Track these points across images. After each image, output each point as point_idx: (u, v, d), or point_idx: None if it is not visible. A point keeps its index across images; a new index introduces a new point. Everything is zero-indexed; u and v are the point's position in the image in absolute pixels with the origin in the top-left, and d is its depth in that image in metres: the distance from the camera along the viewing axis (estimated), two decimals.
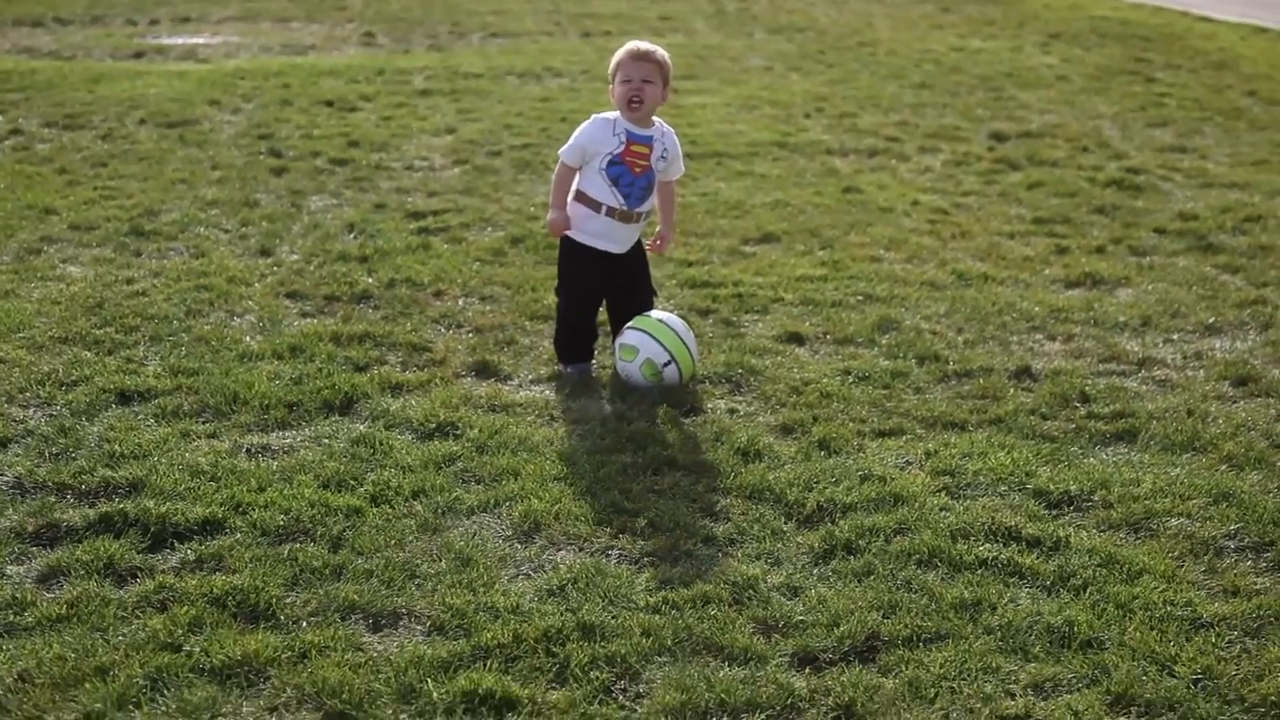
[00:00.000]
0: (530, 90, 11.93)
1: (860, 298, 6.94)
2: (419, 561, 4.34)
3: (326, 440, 5.23)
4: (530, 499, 4.75)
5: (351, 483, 4.86)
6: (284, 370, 5.83)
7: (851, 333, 6.45)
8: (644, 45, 5.86)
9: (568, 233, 5.93)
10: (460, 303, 6.78)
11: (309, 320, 6.48)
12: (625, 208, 5.81)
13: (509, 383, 5.88)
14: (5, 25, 15.53)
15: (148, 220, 7.98)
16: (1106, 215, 8.46)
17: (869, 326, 6.52)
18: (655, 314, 5.92)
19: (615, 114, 5.85)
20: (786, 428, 5.43)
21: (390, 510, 4.68)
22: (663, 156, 5.87)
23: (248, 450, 5.13)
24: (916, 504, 4.75)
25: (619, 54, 5.87)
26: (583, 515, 4.66)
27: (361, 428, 5.34)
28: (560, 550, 4.47)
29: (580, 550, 4.47)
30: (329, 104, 11.28)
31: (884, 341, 6.36)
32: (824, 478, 4.96)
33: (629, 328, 5.84)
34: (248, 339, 6.22)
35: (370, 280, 7.01)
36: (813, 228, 8.09)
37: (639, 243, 6.00)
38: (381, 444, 5.16)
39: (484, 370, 5.97)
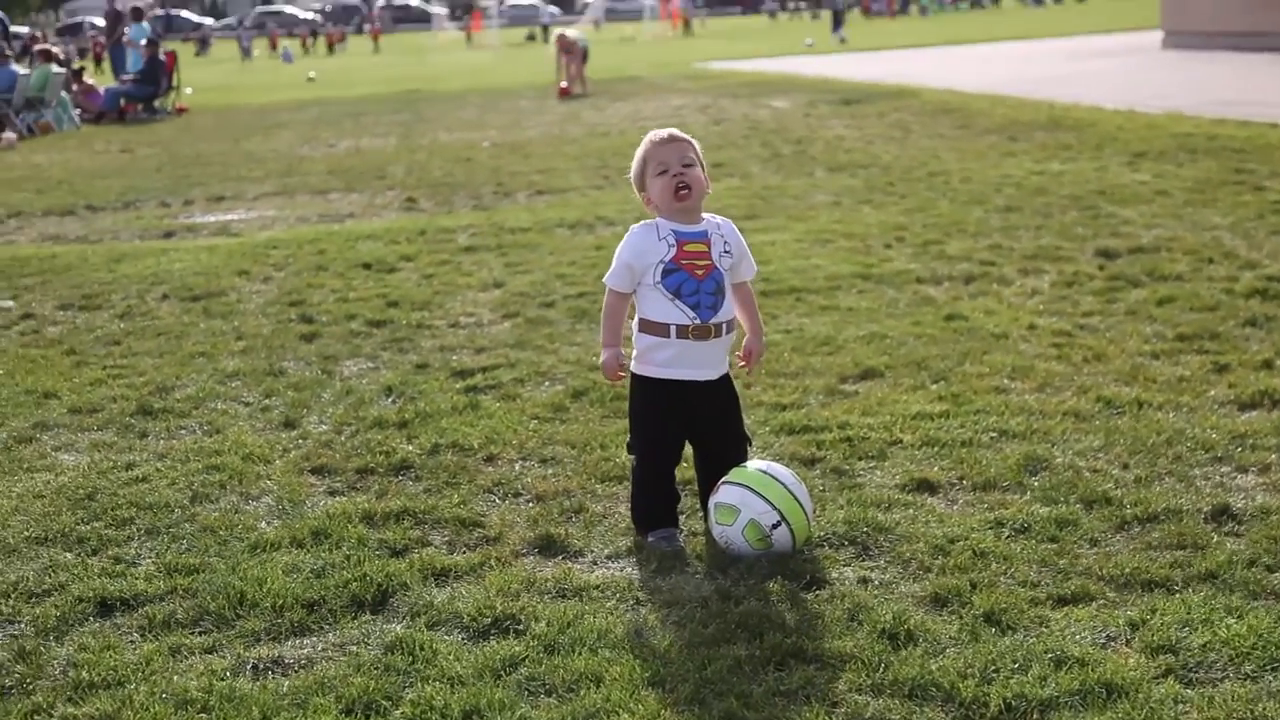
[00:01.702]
0: (582, 240, 10.98)
1: (993, 434, 5.79)
2: None
3: (354, 648, 4.10)
4: (619, 714, 3.59)
5: (384, 705, 3.72)
6: (304, 561, 4.73)
7: (993, 476, 5.29)
8: (664, 130, 4.88)
9: (636, 370, 4.85)
10: (517, 467, 5.68)
11: (337, 499, 5.40)
12: (699, 321, 4.73)
13: (580, 560, 4.75)
14: (34, 216, 14.83)
15: (158, 398, 6.97)
16: (1259, 327, 7.30)
17: (1012, 467, 5.36)
18: (755, 464, 4.80)
19: (654, 220, 4.83)
20: (939, 599, 4.26)
21: None
22: (726, 251, 4.81)
23: (253, 667, 4.01)
24: (1139, 697, 3.55)
25: (641, 149, 4.87)
26: None
27: (398, 629, 4.21)
28: None
29: None
30: (366, 266, 10.35)
31: (1034, 484, 5.21)
32: (1004, 664, 3.77)
33: (725, 483, 4.71)
34: (263, 525, 5.14)
35: (410, 448, 5.94)
36: (919, 360, 6.97)
37: (726, 376, 4.90)
38: (423, 649, 4.02)
39: (549, 546, 4.85)
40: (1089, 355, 6.94)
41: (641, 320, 4.83)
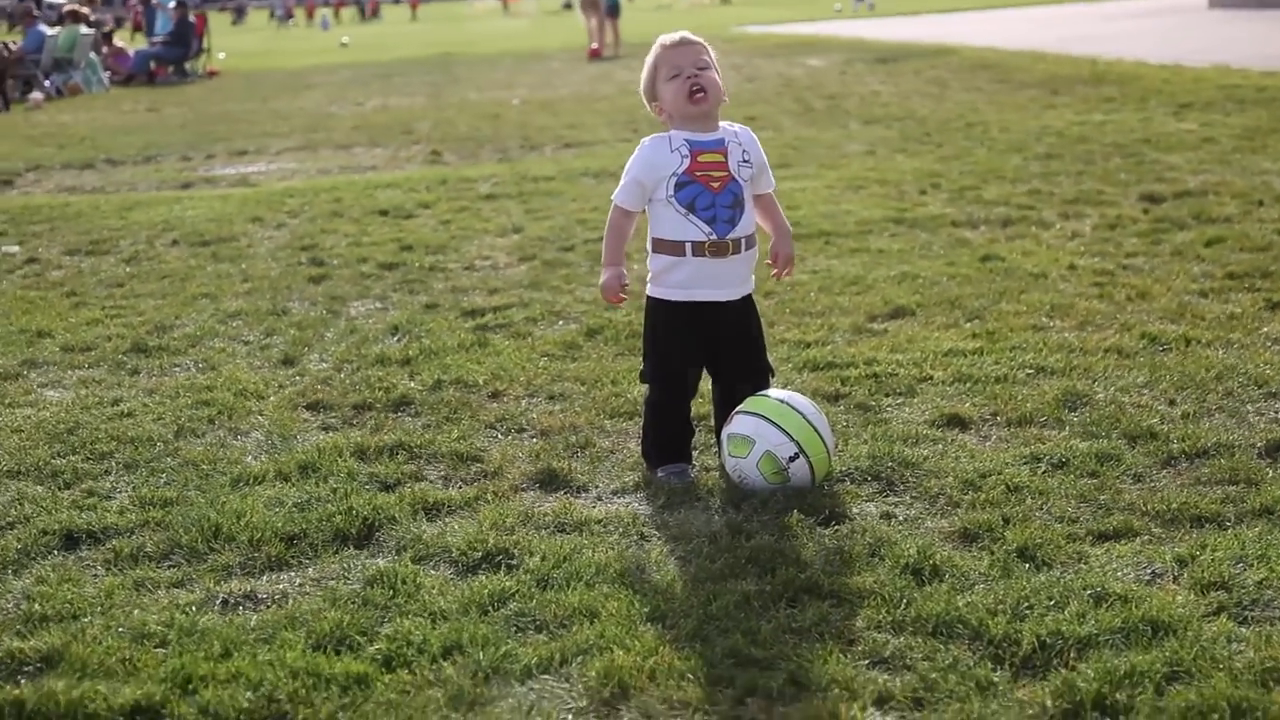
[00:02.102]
0: (606, 188, 10.59)
1: (1029, 371, 5.42)
2: None
3: (332, 582, 3.79)
4: (613, 650, 3.26)
5: (357, 640, 3.40)
6: (288, 494, 4.42)
7: (1030, 411, 4.93)
8: (674, 33, 4.50)
9: (651, 292, 4.50)
10: (523, 404, 5.35)
11: (329, 434, 5.08)
12: (715, 237, 4.37)
13: (583, 496, 4.42)
14: (53, 170, 14.57)
15: (155, 337, 6.67)
16: None
17: (1051, 403, 5.00)
18: (774, 393, 4.45)
19: (667, 132, 4.47)
20: (968, 534, 3.91)
21: (409, 677, 3.20)
22: (745, 161, 4.44)
23: (223, 602, 3.70)
24: (1188, 635, 3.19)
25: (651, 55, 4.51)
26: (691, 671, 3.16)
27: (381, 563, 3.89)
28: None
29: None
30: (383, 213, 10.02)
31: (1074, 420, 4.84)
32: (1037, 600, 3.42)
33: (739, 412, 4.37)
34: (249, 459, 4.83)
35: (411, 384, 5.62)
36: (952, 298, 6.60)
37: (749, 299, 4.54)
38: (405, 583, 3.70)
39: (550, 481, 4.52)
40: (1132, 294, 6.56)
41: (654, 240, 4.48)
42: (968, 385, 5.28)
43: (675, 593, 3.59)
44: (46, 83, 24.51)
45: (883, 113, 15.16)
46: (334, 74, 27.67)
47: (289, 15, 64.59)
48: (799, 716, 2.98)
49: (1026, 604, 3.40)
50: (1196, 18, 28.14)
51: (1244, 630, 3.23)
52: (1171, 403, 4.99)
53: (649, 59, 4.53)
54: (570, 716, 3.05)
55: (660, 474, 4.49)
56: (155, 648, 3.40)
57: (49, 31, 25.51)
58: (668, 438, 4.54)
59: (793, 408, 4.32)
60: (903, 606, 3.44)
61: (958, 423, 4.88)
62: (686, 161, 4.38)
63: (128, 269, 8.54)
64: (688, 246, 4.38)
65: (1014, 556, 3.71)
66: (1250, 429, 4.64)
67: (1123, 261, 7.30)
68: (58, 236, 9.82)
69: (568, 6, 69.67)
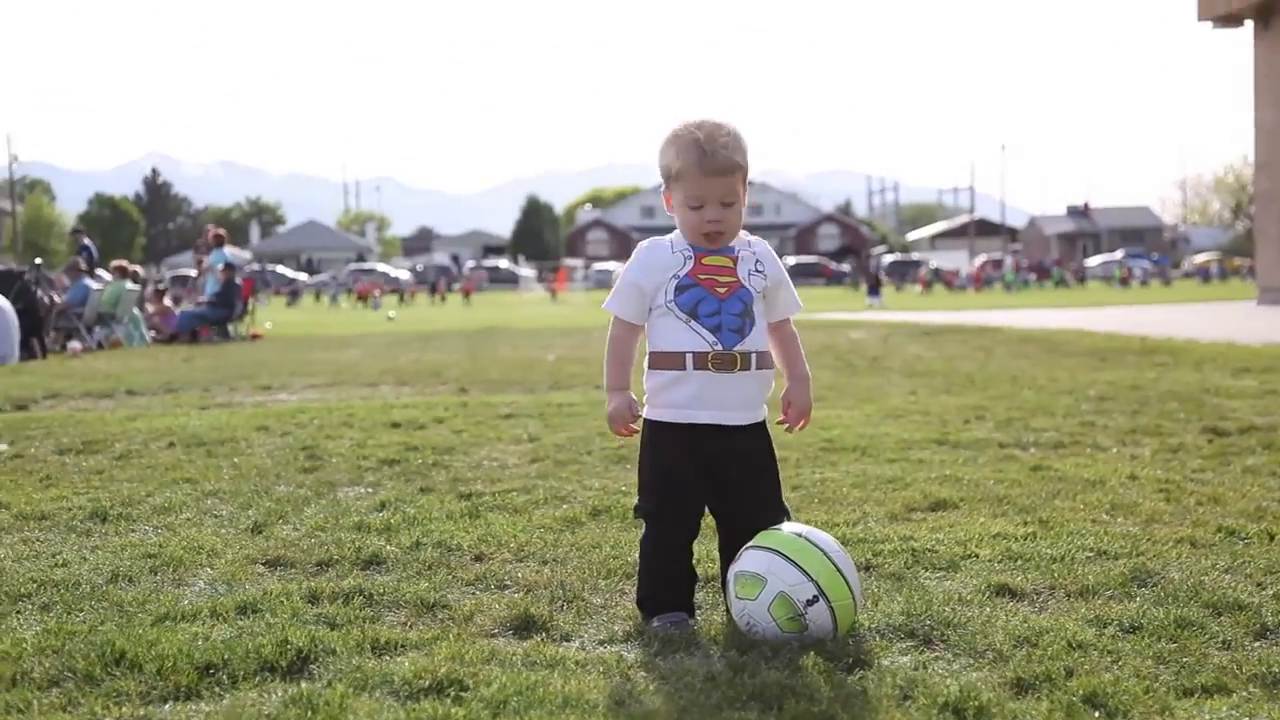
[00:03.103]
0: None
1: (1091, 553, 4.74)
2: None
3: (240, 711, 3.09)
4: None
5: None
6: (217, 631, 3.75)
7: (1093, 584, 4.24)
8: (717, 144, 3.77)
9: (647, 414, 3.90)
10: (509, 566, 4.69)
11: (281, 582, 4.42)
12: (720, 348, 3.79)
13: (566, 644, 3.73)
14: (71, 398, 14.20)
15: (119, 508, 6.07)
16: None
17: (1117, 579, 4.31)
18: (790, 526, 3.79)
19: (668, 236, 3.92)
20: (1022, 683, 3.20)
21: None
22: (757, 270, 3.87)
23: None
24: None
25: (684, 145, 3.79)
26: None
27: (305, 687, 3.19)
28: None
29: None
30: (395, 425, 9.50)
31: (1145, 593, 4.14)
32: None
33: (750, 548, 3.72)
34: (184, 603, 4.17)
35: (387, 545, 4.97)
36: (999, 496, 5.94)
37: (762, 428, 3.92)
38: (329, 704, 3.01)
39: (527, 626, 3.84)
40: (1203, 499, 5.88)
41: (651, 354, 3.90)
42: (1019, 562, 4.60)
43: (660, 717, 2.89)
44: (89, 336, 24.50)
45: (925, 369, 14.69)
46: (375, 339, 27.64)
47: (334, 299, 65.90)
48: None
49: None
50: (1248, 311, 27.90)
51: None
52: (1260, 585, 4.28)
53: (682, 142, 3.82)
54: None
55: (656, 623, 3.81)
56: None
57: (95, 285, 25.67)
58: (665, 582, 3.88)
59: (812, 543, 3.66)
60: None
61: (1008, 592, 4.19)
62: (690, 263, 3.83)
63: (114, 463, 7.99)
64: (688, 358, 3.79)
65: (1080, 703, 2.99)
66: None
67: (1189, 475, 6.64)
68: (52, 439, 9.31)
69: None
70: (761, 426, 3.91)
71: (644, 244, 3.92)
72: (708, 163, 3.78)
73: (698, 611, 3.92)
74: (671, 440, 3.84)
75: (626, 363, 3.95)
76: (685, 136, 3.83)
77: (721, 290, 3.81)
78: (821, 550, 3.64)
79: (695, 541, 3.95)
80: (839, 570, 3.62)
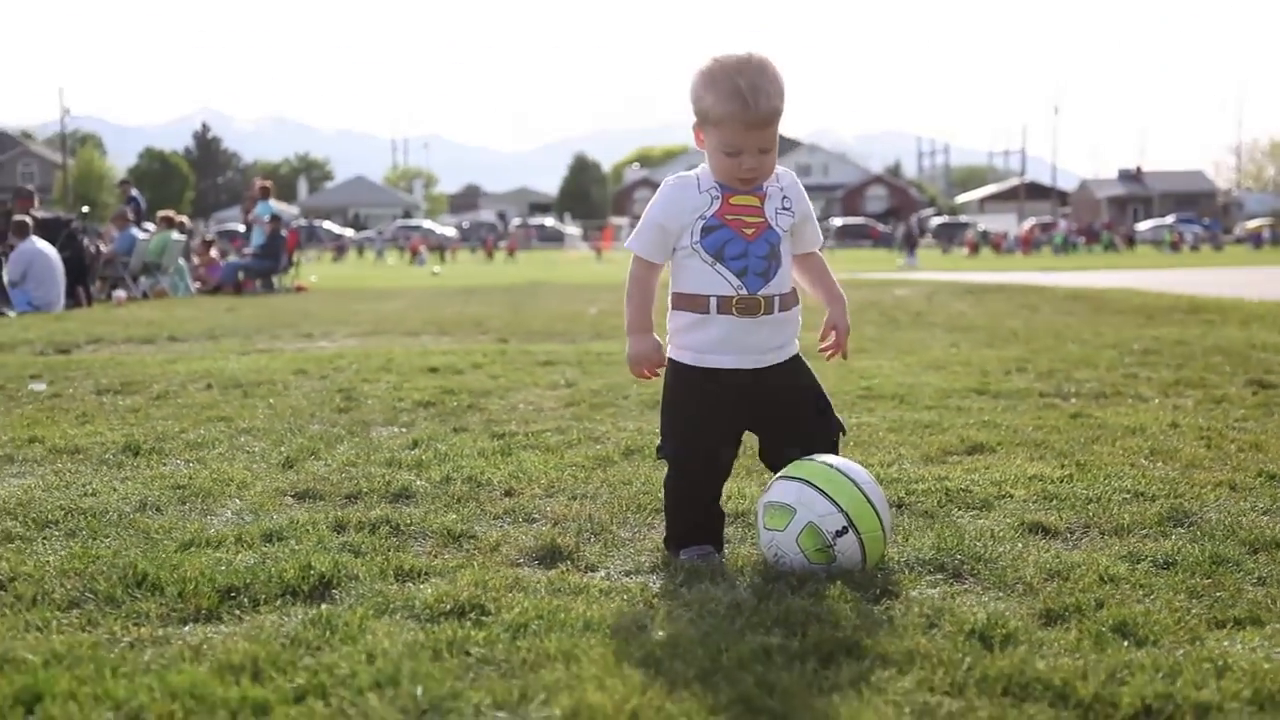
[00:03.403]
0: None
1: (1127, 495, 4.66)
2: None
3: (259, 629, 3.07)
4: (585, 689, 2.51)
5: (269, 672, 2.68)
6: (242, 557, 3.74)
7: (1128, 523, 4.17)
8: (759, 94, 3.61)
9: (670, 355, 3.83)
10: (539, 501, 4.66)
11: (308, 512, 4.41)
12: (745, 292, 3.70)
13: (591, 574, 3.69)
14: (113, 343, 14.28)
15: (152, 442, 6.08)
16: None
17: (1153, 518, 4.23)
18: (822, 457, 3.73)
19: (696, 171, 3.82)
20: (1051, 613, 3.14)
21: (320, 707, 2.47)
22: (785, 208, 3.76)
23: (129, 644, 2.99)
24: None
25: (719, 100, 3.64)
26: (685, 715, 2.41)
27: (325, 608, 3.17)
28: None
29: None
30: (433, 369, 9.49)
31: (1180, 532, 4.07)
32: (1140, 669, 2.64)
33: (780, 478, 3.66)
34: (210, 530, 4.16)
35: (417, 480, 4.95)
36: (1037, 441, 5.87)
37: (796, 359, 3.86)
38: (346, 625, 2.99)
39: (553, 556, 3.81)
40: (1244, 446, 5.79)
41: (675, 295, 3.82)
42: (1054, 502, 4.53)
43: (680, 644, 2.85)
44: (135, 285, 24.64)
45: (969, 324, 14.57)
46: (419, 292, 27.68)
47: (380, 254, 66.02)
48: None
49: (1126, 670, 2.63)
50: None
51: None
52: None
53: (718, 82, 3.66)
54: None
55: (683, 555, 3.76)
56: (14, 674, 2.70)
57: (141, 235, 25.79)
58: (691, 522, 3.82)
59: (844, 473, 3.61)
60: (964, 669, 2.67)
61: (1041, 530, 4.13)
62: (717, 203, 3.73)
63: (151, 402, 8.02)
64: (712, 301, 3.71)
65: (1109, 631, 2.94)
66: None
67: (1231, 424, 6.53)
68: (91, 380, 9.35)
69: None
70: (790, 362, 3.84)
71: (670, 181, 3.84)
72: (750, 115, 3.64)
73: (725, 545, 3.87)
74: (693, 382, 3.78)
75: (648, 302, 3.87)
76: (726, 84, 3.66)
77: (749, 231, 3.72)
78: (853, 480, 3.59)
79: (725, 480, 3.89)
80: (869, 501, 3.57)
